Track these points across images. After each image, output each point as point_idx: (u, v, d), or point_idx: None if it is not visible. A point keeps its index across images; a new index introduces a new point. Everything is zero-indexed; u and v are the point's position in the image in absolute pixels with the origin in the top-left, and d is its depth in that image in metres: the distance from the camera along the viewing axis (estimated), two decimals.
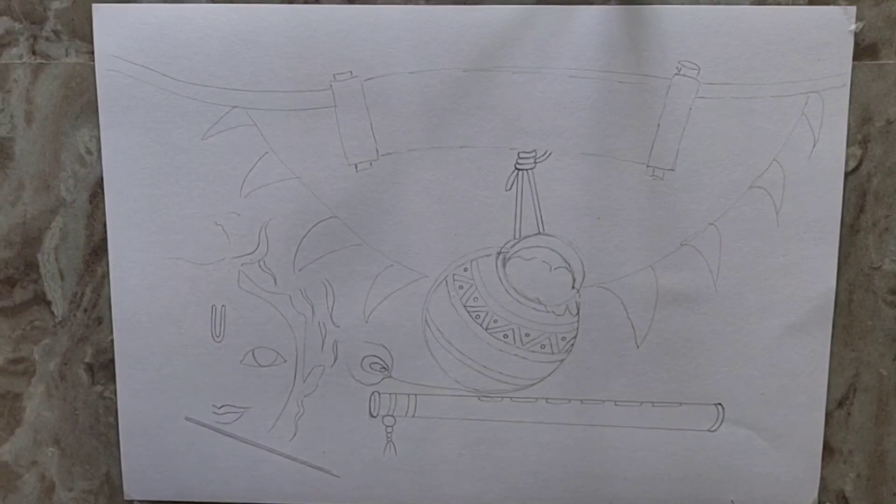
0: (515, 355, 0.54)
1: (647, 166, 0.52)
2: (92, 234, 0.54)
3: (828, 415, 0.54)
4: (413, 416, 0.55)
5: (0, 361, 0.56)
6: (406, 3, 0.51)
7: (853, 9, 0.50)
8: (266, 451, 0.56)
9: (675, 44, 0.50)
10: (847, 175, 0.52)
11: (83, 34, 0.52)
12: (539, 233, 0.53)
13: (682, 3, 0.50)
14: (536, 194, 0.52)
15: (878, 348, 0.54)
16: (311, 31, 0.51)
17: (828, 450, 0.54)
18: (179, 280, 0.54)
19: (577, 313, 0.53)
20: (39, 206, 0.54)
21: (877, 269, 0.53)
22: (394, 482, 0.56)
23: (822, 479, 0.55)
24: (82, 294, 0.55)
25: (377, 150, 0.52)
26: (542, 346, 0.54)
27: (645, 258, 0.53)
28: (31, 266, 0.55)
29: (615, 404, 0.55)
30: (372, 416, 0.55)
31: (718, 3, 0.50)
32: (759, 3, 0.50)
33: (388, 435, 0.55)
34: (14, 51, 0.52)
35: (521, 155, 0.52)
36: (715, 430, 0.54)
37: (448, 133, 0.52)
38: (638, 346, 0.54)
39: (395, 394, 0.55)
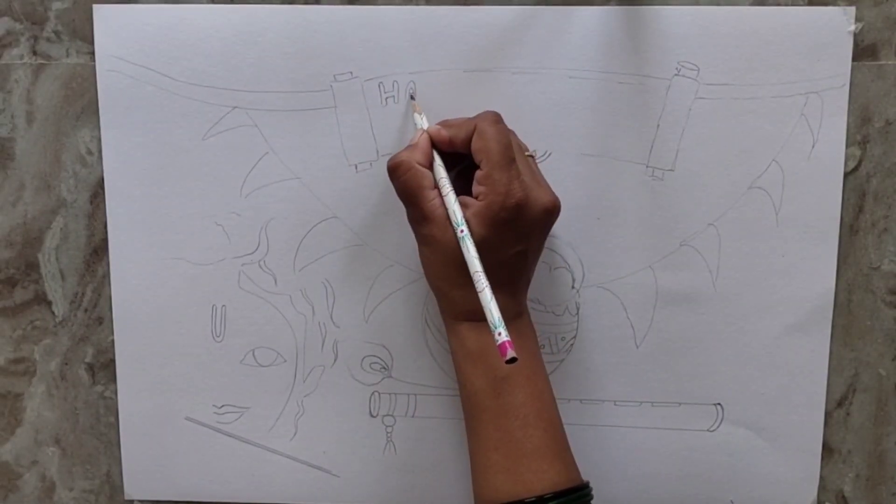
0: None
1: (647, 167, 0.52)
2: (92, 235, 0.54)
3: (827, 415, 0.54)
4: (413, 416, 0.55)
5: (1, 361, 0.56)
6: (406, 4, 0.51)
7: (852, 9, 0.50)
8: (266, 451, 0.56)
9: (675, 44, 0.51)
10: (846, 175, 0.52)
11: (84, 35, 0.52)
12: None
13: (682, 4, 0.50)
14: None
15: (877, 348, 0.54)
16: (311, 32, 0.51)
17: (827, 450, 0.54)
18: (180, 280, 0.54)
19: (577, 313, 0.54)
20: (40, 206, 0.54)
21: (876, 269, 0.53)
22: (394, 482, 0.56)
23: (822, 478, 0.55)
24: (83, 294, 0.55)
25: (377, 151, 0.52)
26: (542, 346, 0.54)
27: (644, 258, 0.53)
28: (32, 266, 0.55)
29: (615, 404, 0.55)
30: (372, 416, 0.55)
31: (718, 4, 0.50)
32: (758, 4, 0.50)
33: (388, 435, 0.55)
34: (15, 51, 0.52)
35: None
36: (714, 430, 0.54)
37: None
38: (637, 347, 0.54)
39: (395, 394, 0.55)
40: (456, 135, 0.47)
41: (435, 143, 0.47)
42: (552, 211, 0.46)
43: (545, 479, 0.44)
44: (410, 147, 0.47)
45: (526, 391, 0.46)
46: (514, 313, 0.47)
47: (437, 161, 0.47)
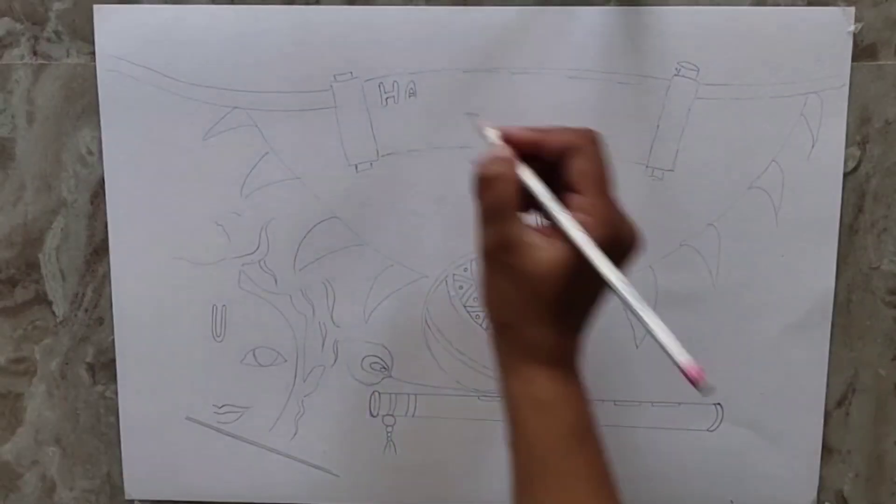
0: None
1: (647, 167, 0.52)
2: (93, 235, 0.54)
3: (827, 415, 0.54)
4: (413, 416, 0.55)
5: (1, 361, 0.56)
6: (406, 4, 0.51)
7: (852, 9, 0.50)
8: (266, 450, 0.56)
9: (674, 45, 0.51)
10: (846, 175, 0.52)
11: (84, 35, 0.52)
12: None
13: (682, 4, 0.50)
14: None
15: (876, 348, 0.54)
16: (311, 32, 0.51)
17: (827, 449, 0.54)
18: (180, 280, 0.54)
19: None
20: (41, 206, 0.54)
21: (875, 269, 0.53)
22: (394, 482, 0.56)
23: (821, 478, 0.55)
24: (83, 294, 0.55)
25: (377, 151, 0.52)
26: None
27: (644, 258, 0.53)
28: (33, 266, 0.55)
29: (615, 404, 0.55)
30: (372, 415, 0.55)
31: (718, 4, 0.50)
32: (758, 4, 0.50)
33: (388, 435, 0.55)
34: (15, 51, 0.52)
35: None
36: (714, 429, 0.55)
37: (448, 134, 0.52)
38: (637, 347, 0.54)
39: (395, 394, 0.55)
40: (547, 140, 0.39)
41: (516, 145, 0.39)
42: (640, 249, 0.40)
43: None
44: (498, 158, 0.39)
45: (598, 448, 0.39)
46: (580, 359, 0.41)
47: (529, 173, 0.39)
